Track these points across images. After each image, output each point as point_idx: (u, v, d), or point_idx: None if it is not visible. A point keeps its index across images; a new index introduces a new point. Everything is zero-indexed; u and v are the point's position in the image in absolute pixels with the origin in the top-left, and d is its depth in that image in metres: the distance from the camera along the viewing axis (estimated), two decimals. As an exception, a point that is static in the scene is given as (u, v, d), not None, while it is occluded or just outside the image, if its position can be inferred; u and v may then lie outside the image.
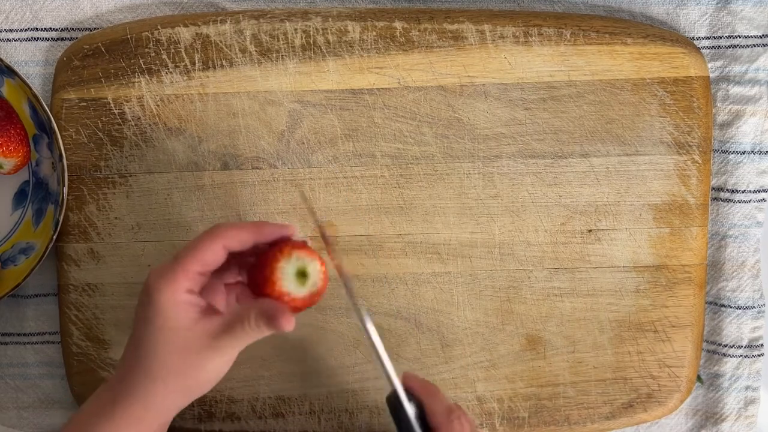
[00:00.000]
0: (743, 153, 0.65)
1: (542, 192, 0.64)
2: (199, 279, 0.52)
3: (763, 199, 0.66)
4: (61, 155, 0.62)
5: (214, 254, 0.52)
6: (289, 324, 0.50)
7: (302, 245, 0.52)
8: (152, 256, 0.64)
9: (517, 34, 0.63)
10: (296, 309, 0.51)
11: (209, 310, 0.52)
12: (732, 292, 0.66)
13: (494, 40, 0.63)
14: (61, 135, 0.62)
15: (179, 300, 0.51)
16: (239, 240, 0.52)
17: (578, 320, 0.65)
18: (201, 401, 0.64)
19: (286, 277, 0.50)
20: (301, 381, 0.65)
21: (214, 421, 0.65)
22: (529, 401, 0.65)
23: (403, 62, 0.63)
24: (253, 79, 0.64)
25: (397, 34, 0.63)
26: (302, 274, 0.51)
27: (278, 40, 0.63)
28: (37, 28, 0.66)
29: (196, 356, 0.51)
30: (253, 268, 0.53)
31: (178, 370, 0.51)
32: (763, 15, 0.65)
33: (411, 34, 0.63)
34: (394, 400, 0.53)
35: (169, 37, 0.63)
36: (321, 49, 0.63)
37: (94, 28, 0.66)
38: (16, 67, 0.63)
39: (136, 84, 0.63)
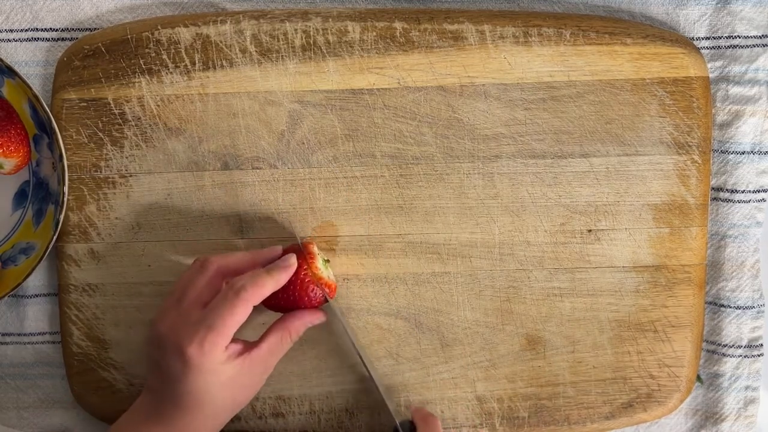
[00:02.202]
0: (743, 153, 0.65)
1: (542, 192, 0.64)
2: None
3: (763, 199, 0.66)
4: (61, 155, 0.62)
5: (246, 314, 0.55)
6: (323, 314, 0.61)
7: (312, 242, 0.62)
8: (152, 256, 0.64)
9: (517, 34, 0.63)
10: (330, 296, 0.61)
11: (245, 347, 0.57)
12: (731, 292, 0.66)
13: (494, 41, 0.63)
14: (61, 135, 0.62)
15: (223, 359, 0.55)
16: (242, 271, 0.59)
17: (578, 320, 0.65)
18: (201, 401, 0.64)
19: (321, 268, 0.60)
20: (301, 381, 0.65)
21: (214, 421, 0.65)
22: (529, 401, 0.65)
23: (403, 62, 0.63)
24: (253, 79, 0.64)
25: (397, 34, 0.63)
26: (326, 261, 0.62)
27: (278, 41, 0.63)
28: (37, 29, 0.66)
29: (248, 392, 0.58)
30: (285, 288, 0.58)
31: (233, 409, 0.57)
32: (762, 15, 0.65)
33: (411, 34, 0.63)
34: None
35: (170, 37, 0.63)
36: (321, 49, 0.63)
37: (95, 29, 0.66)
38: (16, 67, 0.63)
39: (137, 84, 0.64)
